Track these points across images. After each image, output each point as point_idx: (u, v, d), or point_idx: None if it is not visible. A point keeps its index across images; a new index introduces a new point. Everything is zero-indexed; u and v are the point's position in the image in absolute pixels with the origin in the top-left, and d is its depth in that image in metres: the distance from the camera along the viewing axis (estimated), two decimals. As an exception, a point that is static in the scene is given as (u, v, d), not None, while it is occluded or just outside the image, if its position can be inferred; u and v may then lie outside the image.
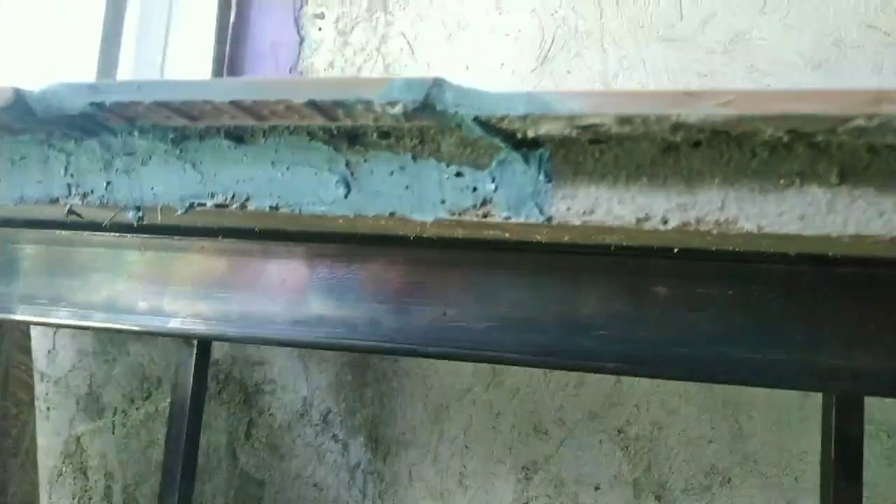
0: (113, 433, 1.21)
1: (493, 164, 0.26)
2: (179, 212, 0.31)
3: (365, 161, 0.28)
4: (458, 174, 0.27)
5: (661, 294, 0.35)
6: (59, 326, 0.46)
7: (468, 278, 0.37)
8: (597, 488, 0.98)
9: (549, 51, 1.11)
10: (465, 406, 1.00)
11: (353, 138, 0.28)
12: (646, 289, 0.35)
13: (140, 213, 0.31)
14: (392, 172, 0.28)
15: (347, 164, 0.28)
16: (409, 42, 1.16)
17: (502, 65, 1.12)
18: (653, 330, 0.35)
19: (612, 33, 1.08)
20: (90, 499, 1.24)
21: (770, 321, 0.33)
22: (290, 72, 1.22)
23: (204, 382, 0.92)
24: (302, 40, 1.22)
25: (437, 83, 0.24)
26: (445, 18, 1.14)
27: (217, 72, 1.17)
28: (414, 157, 0.27)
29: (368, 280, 0.38)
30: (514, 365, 0.39)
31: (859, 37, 0.98)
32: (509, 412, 0.98)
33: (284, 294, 0.40)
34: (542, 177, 0.26)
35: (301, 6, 1.20)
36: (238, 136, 0.30)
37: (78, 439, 1.21)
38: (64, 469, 1.22)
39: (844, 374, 0.32)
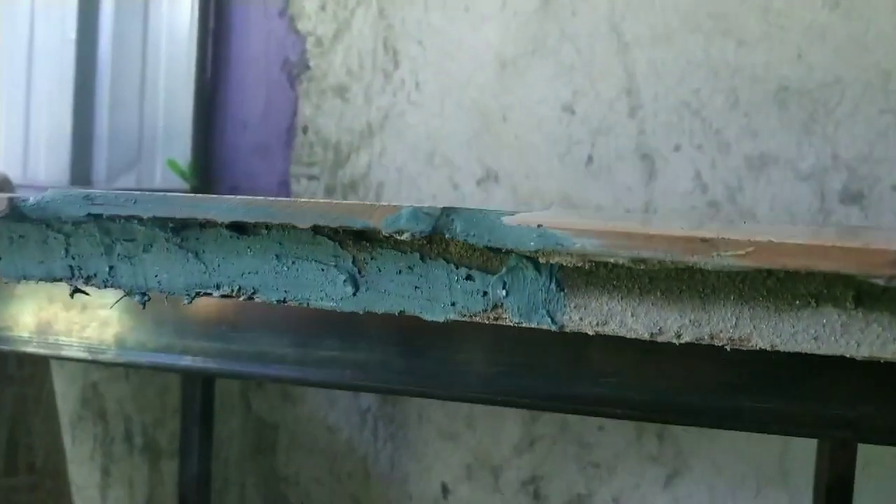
0: (127, 380, 1.24)
1: (504, 269, 0.26)
2: (185, 301, 0.30)
3: (372, 259, 0.28)
4: (469, 277, 0.26)
5: (670, 343, 0.35)
6: (71, 360, 0.47)
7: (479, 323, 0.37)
8: (600, 428, 1.02)
9: (552, -11, 1.06)
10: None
11: (358, 234, 0.28)
12: (655, 338, 0.35)
13: (146, 297, 0.31)
14: (400, 271, 0.27)
15: (354, 261, 0.28)
16: (404, -18, 1.10)
17: (503, 5, 1.07)
18: (662, 378, 0.35)
19: (618, -29, 1.03)
20: (112, 440, 1.29)
21: (777, 372, 0.34)
22: (279, 16, 1.16)
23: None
24: (291, -21, 1.16)
25: (446, 213, 0.23)
26: (443, -44, 1.08)
27: (203, 15, 1.12)
28: (422, 257, 0.27)
29: (380, 323, 0.38)
30: (524, 408, 0.39)
31: (879, -26, 0.93)
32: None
33: (295, 335, 0.40)
34: (553, 285, 0.25)
35: (288, -59, 1.14)
36: (240, 227, 0.29)
37: (94, 386, 1.25)
38: (83, 413, 1.27)
39: (845, 423, 0.33)
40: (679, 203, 1.02)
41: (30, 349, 0.45)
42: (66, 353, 0.45)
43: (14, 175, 1.13)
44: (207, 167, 1.16)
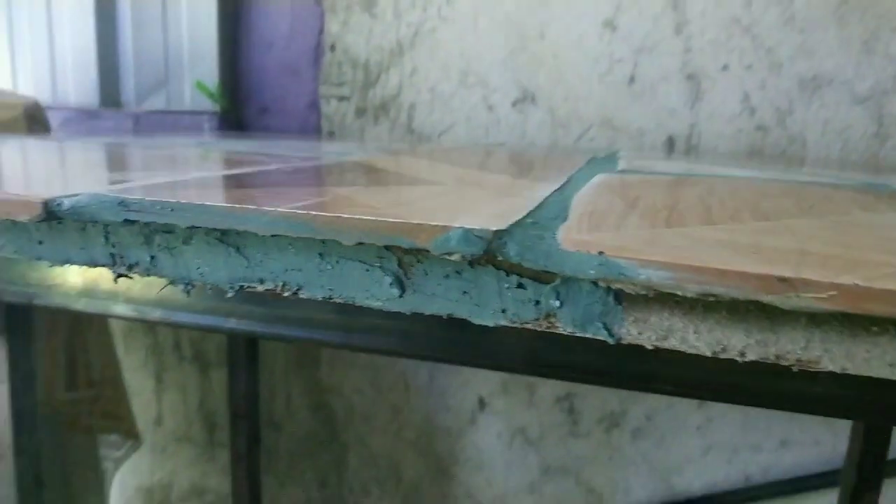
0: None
1: (559, 280, 0.25)
2: (230, 294, 0.30)
3: (418, 261, 0.27)
4: (520, 286, 0.25)
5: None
6: (118, 318, 0.47)
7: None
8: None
9: None
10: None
11: (404, 236, 0.26)
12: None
13: (190, 287, 0.31)
14: (447, 276, 0.26)
15: (400, 263, 0.27)
16: None
17: None
18: (710, 358, 0.34)
19: None
20: (162, 350, 1.35)
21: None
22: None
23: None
24: None
25: (498, 236, 0.22)
26: None
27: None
28: (471, 263, 0.26)
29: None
30: (567, 381, 0.39)
31: None
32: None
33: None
34: (611, 298, 0.24)
35: None
36: (282, 224, 0.28)
37: (140, 301, 1.28)
38: (133, 325, 1.32)
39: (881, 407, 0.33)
40: (725, 127, 0.98)
41: (79, 307, 0.46)
42: (114, 311, 0.46)
43: (44, 98, 1.12)
44: (236, 88, 1.13)
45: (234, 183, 0.34)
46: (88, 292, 0.46)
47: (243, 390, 0.95)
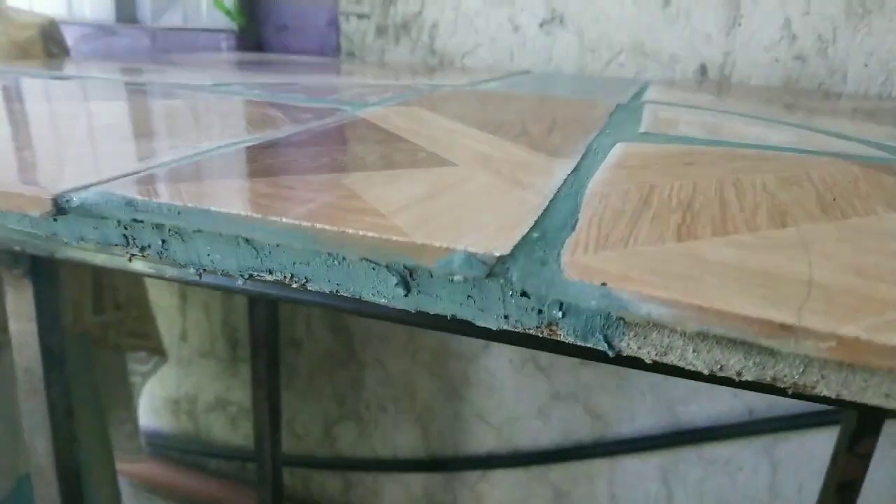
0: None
1: (561, 292, 0.25)
2: (239, 282, 0.30)
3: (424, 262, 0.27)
4: (524, 294, 0.25)
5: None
6: (135, 274, 0.49)
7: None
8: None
9: None
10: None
11: (410, 238, 0.26)
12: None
13: (202, 270, 0.32)
14: (452, 279, 0.27)
15: (405, 265, 0.27)
16: None
17: None
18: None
19: None
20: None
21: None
22: None
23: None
24: None
25: (502, 261, 0.22)
26: None
27: None
28: (475, 270, 0.26)
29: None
30: (571, 356, 0.40)
31: None
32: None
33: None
34: (614, 314, 0.24)
35: None
36: (288, 219, 0.28)
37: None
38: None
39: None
40: (761, 55, 0.94)
41: (98, 262, 0.47)
42: (132, 267, 0.47)
43: (60, 13, 1.10)
44: (253, 5, 1.10)
45: (246, 165, 0.34)
46: (107, 248, 0.47)
47: (264, 316, 0.98)
